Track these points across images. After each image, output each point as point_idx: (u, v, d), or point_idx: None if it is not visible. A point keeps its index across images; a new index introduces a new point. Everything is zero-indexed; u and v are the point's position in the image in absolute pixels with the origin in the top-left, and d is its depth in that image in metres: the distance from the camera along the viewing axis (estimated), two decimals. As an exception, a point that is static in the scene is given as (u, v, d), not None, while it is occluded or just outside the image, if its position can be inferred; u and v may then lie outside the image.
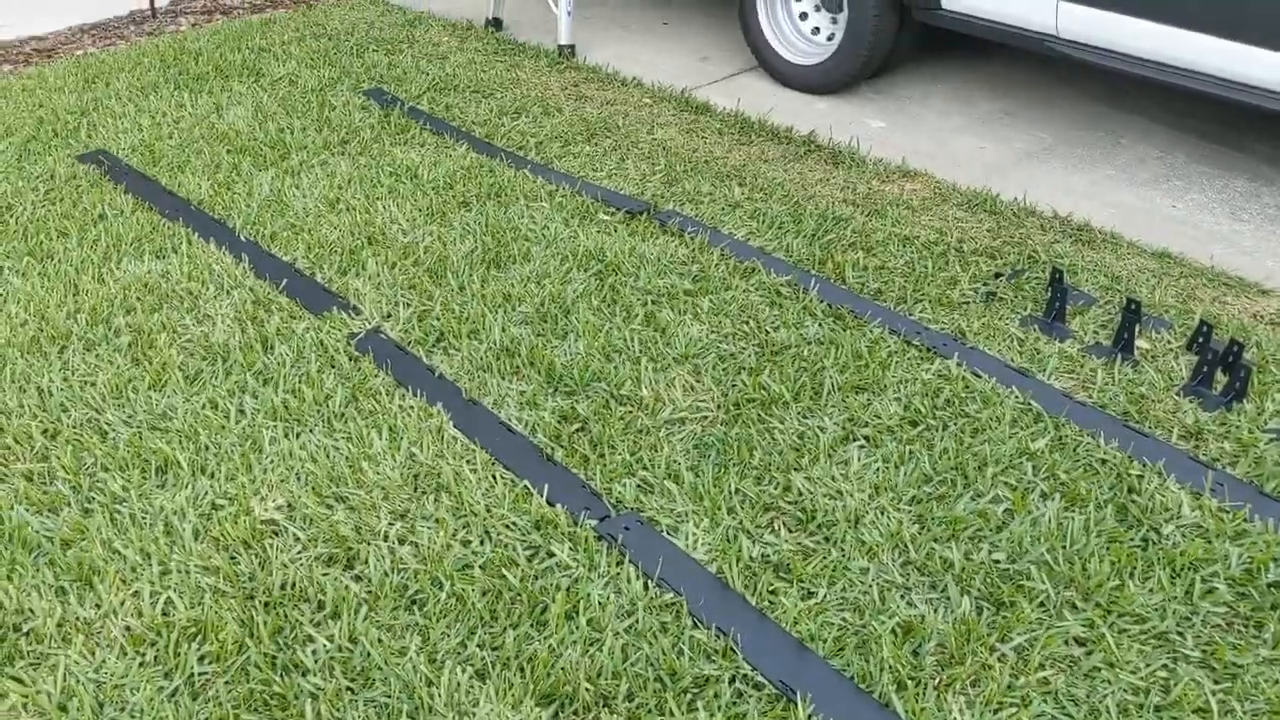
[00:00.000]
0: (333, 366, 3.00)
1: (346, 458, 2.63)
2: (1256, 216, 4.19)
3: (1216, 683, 2.10)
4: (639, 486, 2.59)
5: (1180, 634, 2.21)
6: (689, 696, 2.01)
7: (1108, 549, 2.40)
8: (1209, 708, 2.03)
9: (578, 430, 2.79)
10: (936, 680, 2.08)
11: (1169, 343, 3.26)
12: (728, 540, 2.42)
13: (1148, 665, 2.13)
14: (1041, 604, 2.28)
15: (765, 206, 4.04)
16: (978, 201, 4.19)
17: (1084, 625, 2.22)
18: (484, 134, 4.61)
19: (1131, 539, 2.45)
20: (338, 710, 1.97)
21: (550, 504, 2.50)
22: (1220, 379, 3.03)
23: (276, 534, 2.42)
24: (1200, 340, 3.16)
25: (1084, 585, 2.31)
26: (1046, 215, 4.09)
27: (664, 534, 2.45)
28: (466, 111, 4.83)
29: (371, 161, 4.31)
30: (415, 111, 4.81)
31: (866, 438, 2.78)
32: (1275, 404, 2.96)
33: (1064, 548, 2.41)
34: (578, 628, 2.15)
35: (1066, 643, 2.18)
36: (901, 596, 2.29)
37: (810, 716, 1.98)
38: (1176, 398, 2.98)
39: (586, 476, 2.62)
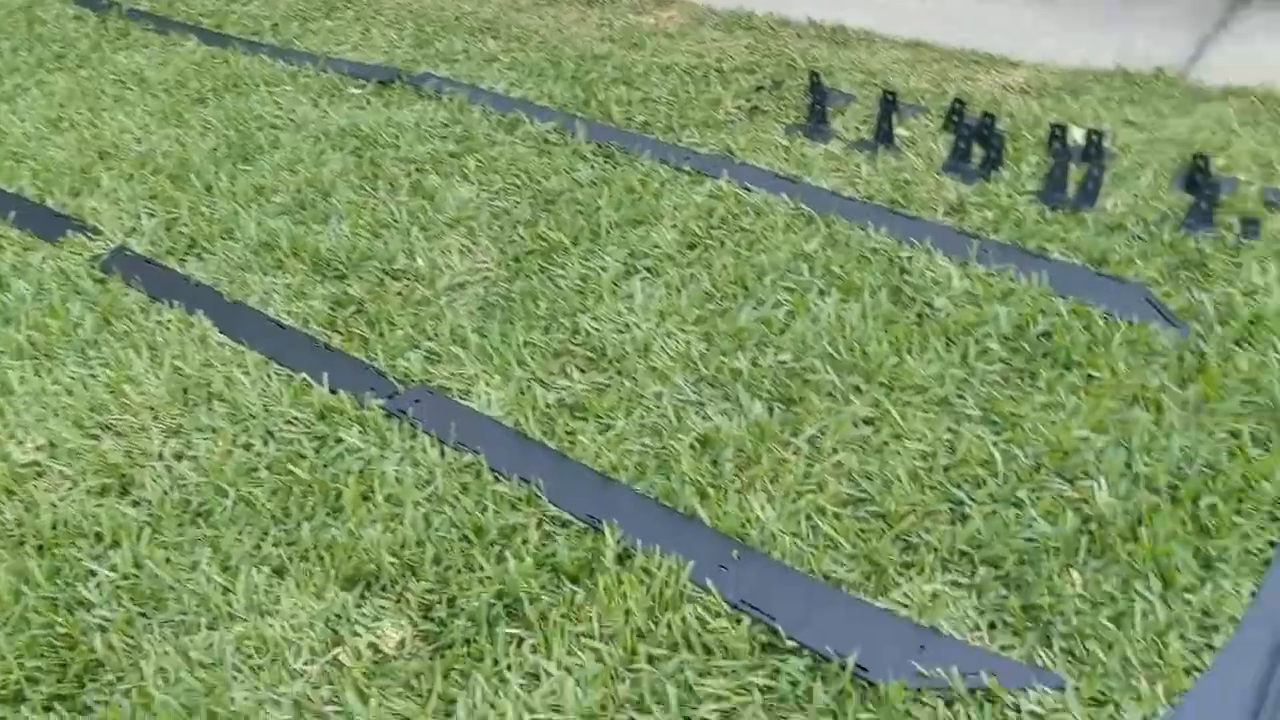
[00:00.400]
0: (78, 293, 2.78)
1: (106, 384, 2.46)
2: (999, -6, 4.28)
3: (998, 434, 2.20)
4: (425, 358, 2.52)
5: (961, 396, 2.29)
6: (496, 548, 1.99)
7: (886, 330, 2.47)
8: (993, 459, 2.12)
9: (354, 313, 2.68)
10: (737, 483, 2.11)
11: (927, 126, 3.32)
12: (521, 392, 2.38)
13: (933, 431, 2.21)
14: (829, 394, 2.33)
15: (523, 56, 3.91)
16: (734, 20, 4.16)
17: (870, 406, 2.28)
18: (213, 24, 4.29)
19: (907, 317, 2.52)
20: (131, 637, 1.87)
21: (333, 392, 2.40)
22: (978, 152, 3.12)
23: (40, 475, 2.25)
24: (955, 118, 3.23)
25: (866, 369, 2.36)
26: (802, 24, 4.09)
27: (456, 399, 2.39)
28: (191, 3, 4.48)
29: (93, 72, 3.96)
30: (134, 13, 4.43)
31: (648, 269, 2.76)
32: (1030, 166, 3.07)
33: (845, 337, 2.46)
34: (375, 506, 2.09)
35: (856, 425, 2.24)
36: (696, 412, 2.30)
37: (619, 540, 1.98)
38: (938, 177, 3.05)
39: (369, 357, 2.52)
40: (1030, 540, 1.95)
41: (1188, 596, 1.82)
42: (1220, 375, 2.27)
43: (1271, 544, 1.92)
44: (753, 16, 4.15)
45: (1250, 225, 2.73)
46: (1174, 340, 2.39)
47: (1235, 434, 2.14)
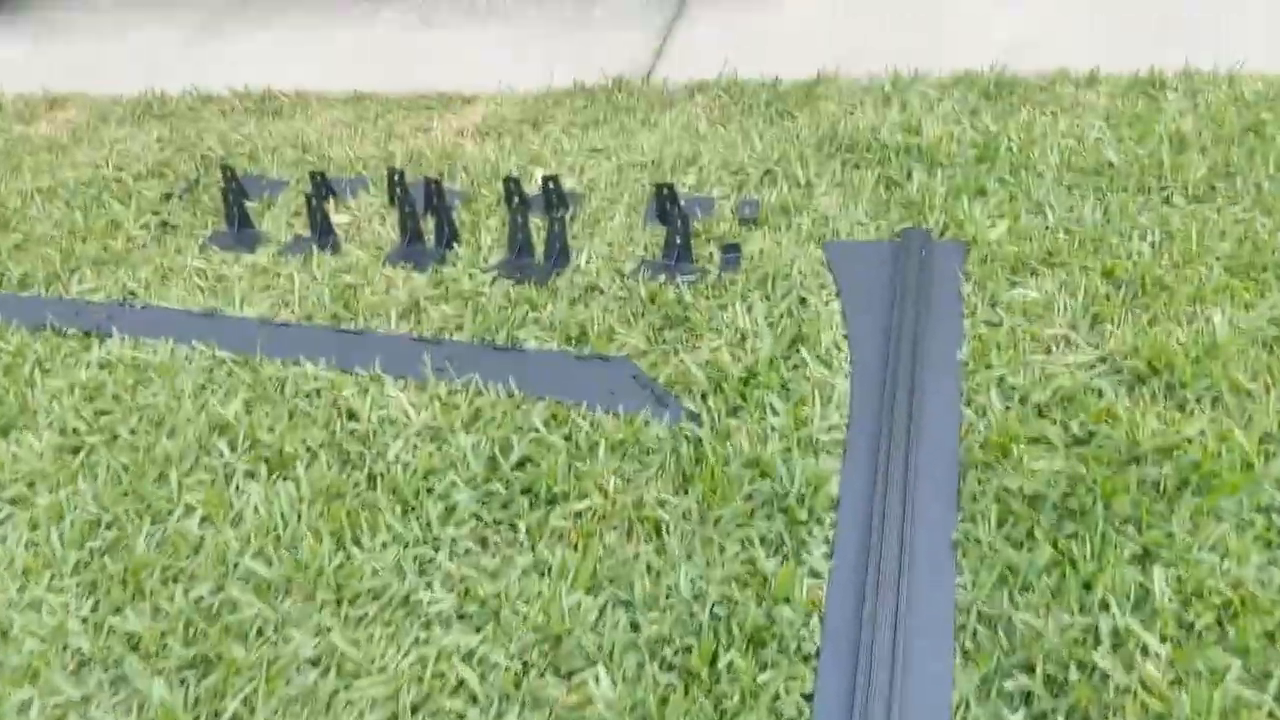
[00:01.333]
0: None
1: None
2: (451, 16, 3.83)
3: (477, 632, 1.70)
4: None
5: (428, 585, 1.78)
6: None
7: (327, 514, 1.91)
8: (465, 681, 1.62)
9: None
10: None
11: (372, 204, 2.79)
12: None
13: (397, 649, 1.68)
14: (260, 632, 1.74)
15: None
16: (144, 108, 3.44)
17: (314, 636, 1.72)
18: None
19: (356, 487, 1.97)
20: None
21: None
22: (432, 227, 2.62)
23: None
24: (399, 191, 2.71)
25: (305, 580, 1.79)
26: (225, 98, 3.43)
27: None
28: None
29: None
30: None
31: (11, 502, 2.04)
32: (492, 233, 2.61)
33: (277, 539, 1.87)
34: None
35: (298, 670, 1.67)
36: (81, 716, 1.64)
37: None
38: (388, 271, 2.52)
39: None
40: (523, 797, 1.46)
41: (718, 827, 1.40)
42: (720, 464, 1.89)
43: (806, 697, 1.54)
44: (166, 99, 3.44)
45: (730, 253, 2.41)
46: (667, 428, 1.99)
47: (747, 542, 1.77)
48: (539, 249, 2.51)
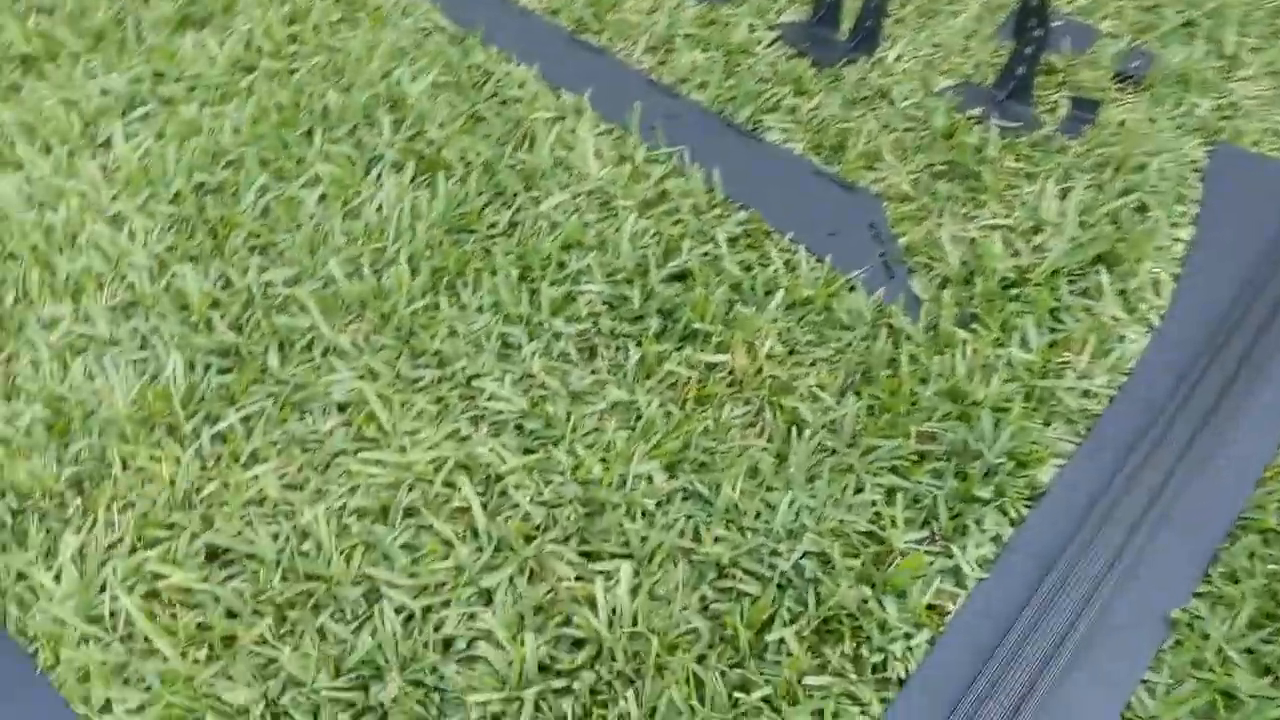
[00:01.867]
0: None
1: None
2: None
3: (524, 452, 1.35)
4: None
5: (482, 388, 1.43)
6: None
7: (438, 248, 1.57)
8: (473, 516, 1.29)
9: None
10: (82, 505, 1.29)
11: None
12: None
13: (430, 445, 1.36)
14: (307, 347, 1.46)
15: None
16: None
17: (351, 387, 1.42)
18: None
19: (490, 227, 1.62)
20: None
21: None
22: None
23: None
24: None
25: (383, 311, 1.49)
26: None
27: None
28: None
29: None
30: None
31: (164, 101, 1.84)
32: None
33: (379, 254, 1.57)
34: None
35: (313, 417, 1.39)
36: (111, 374, 1.46)
37: None
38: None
39: None
40: None
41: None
42: (915, 380, 1.39)
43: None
44: None
45: (1082, 111, 1.77)
46: (874, 306, 1.49)
47: (890, 494, 1.29)
48: (846, 23, 1.96)
